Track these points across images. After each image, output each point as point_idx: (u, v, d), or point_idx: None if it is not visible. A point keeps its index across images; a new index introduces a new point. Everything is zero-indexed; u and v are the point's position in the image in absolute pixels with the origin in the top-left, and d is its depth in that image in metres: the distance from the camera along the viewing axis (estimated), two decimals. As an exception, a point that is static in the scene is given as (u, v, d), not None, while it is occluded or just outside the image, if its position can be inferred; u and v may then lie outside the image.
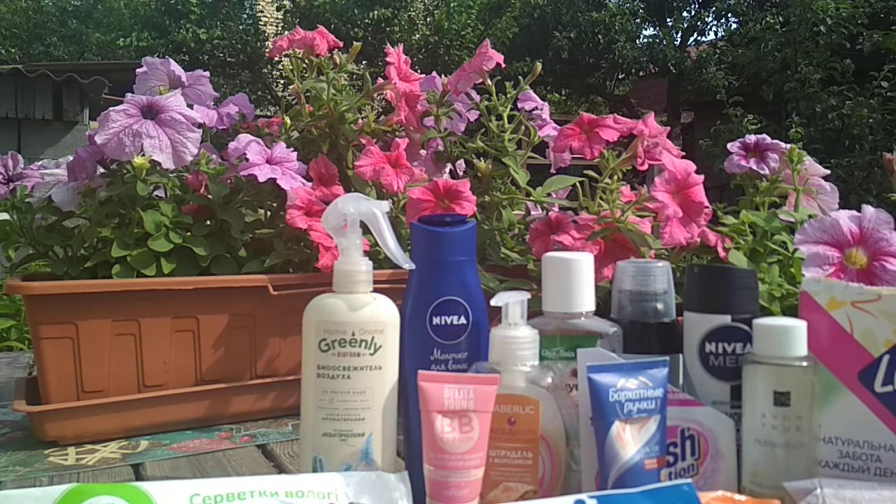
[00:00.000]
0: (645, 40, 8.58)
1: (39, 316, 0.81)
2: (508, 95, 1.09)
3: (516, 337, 0.57)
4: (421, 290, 0.62)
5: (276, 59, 1.28)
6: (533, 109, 1.15)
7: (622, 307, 0.67)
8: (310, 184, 0.96)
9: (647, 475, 0.54)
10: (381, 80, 1.11)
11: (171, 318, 0.86)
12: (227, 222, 0.93)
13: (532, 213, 1.16)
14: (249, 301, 0.89)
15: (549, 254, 0.64)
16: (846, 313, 0.60)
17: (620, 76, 9.19)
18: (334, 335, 0.57)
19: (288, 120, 1.08)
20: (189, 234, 0.92)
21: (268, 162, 0.95)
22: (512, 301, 0.57)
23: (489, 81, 1.10)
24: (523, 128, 1.10)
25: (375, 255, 0.80)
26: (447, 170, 1.18)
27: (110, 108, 0.90)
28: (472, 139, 1.12)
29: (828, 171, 1.12)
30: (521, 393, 0.56)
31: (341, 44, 1.13)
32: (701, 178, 0.90)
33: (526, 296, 0.58)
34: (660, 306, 0.66)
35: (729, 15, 8.24)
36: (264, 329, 0.91)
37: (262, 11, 10.00)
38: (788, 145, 1.10)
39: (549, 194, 1.05)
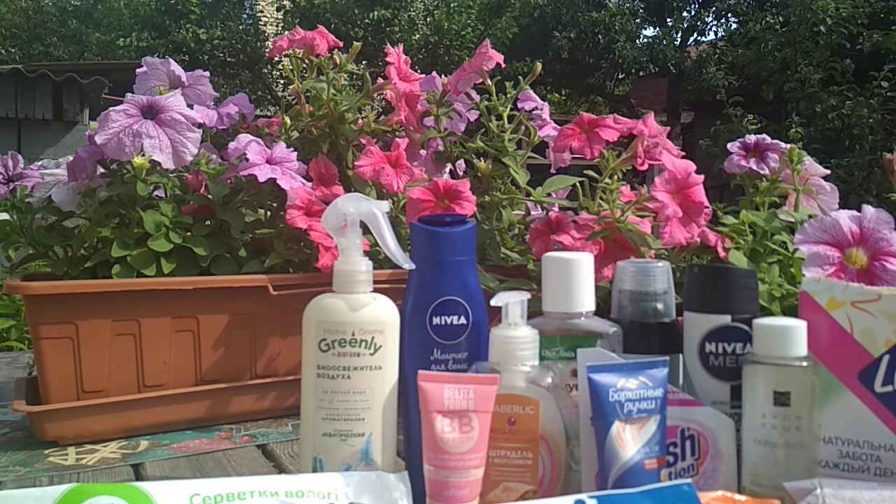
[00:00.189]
0: (645, 40, 8.59)
1: (39, 316, 0.81)
2: (508, 95, 1.09)
3: (516, 337, 0.57)
4: (421, 290, 0.62)
5: (276, 59, 1.28)
6: (533, 109, 1.15)
7: (622, 307, 0.67)
8: (310, 184, 0.96)
9: (647, 475, 0.54)
10: (381, 80, 1.11)
11: (171, 318, 0.86)
12: (227, 222, 0.93)
13: (532, 213, 1.16)
14: (249, 301, 0.89)
15: (549, 254, 0.64)
16: (846, 313, 0.60)
17: (620, 76, 9.19)
18: (334, 335, 0.57)
19: (288, 120, 1.08)
20: (189, 234, 0.92)
21: (268, 162, 0.95)
22: (512, 301, 0.57)
23: (489, 81, 1.10)
24: (523, 128, 1.10)
25: (375, 255, 0.80)
26: (447, 170, 1.18)
27: (110, 108, 0.90)
28: (472, 139, 1.12)
29: (828, 171, 1.12)
30: (521, 393, 0.56)
31: (341, 44, 1.13)
32: (701, 178, 0.90)
33: (526, 296, 0.58)
34: (660, 306, 0.66)
35: (729, 15, 8.25)
36: (264, 329, 0.91)
37: (262, 11, 10.00)
38: (788, 145, 1.10)
39: (549, 194, 1.05)
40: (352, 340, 0.57)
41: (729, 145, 1.16)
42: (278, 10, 8.91)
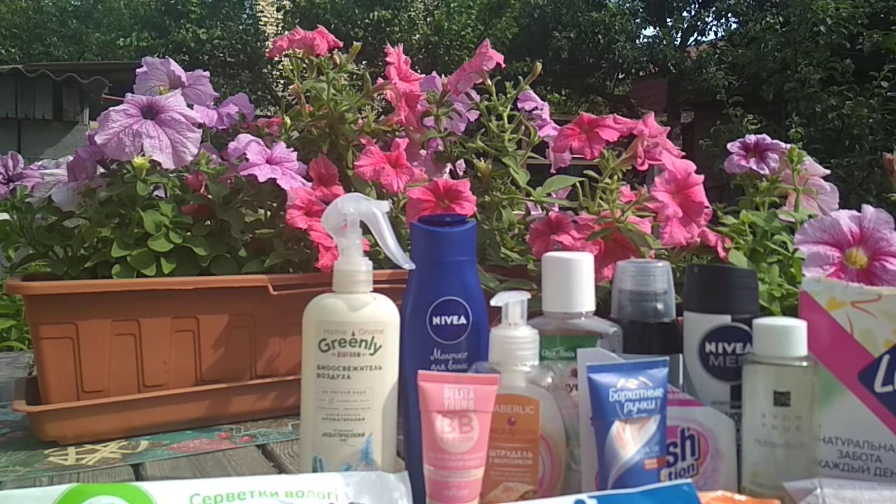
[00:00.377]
0: (645, 40, 8.59)
1: (39, 316, 0.81)
2: (508, 95, 1.09)
3: (516, 337, 0.57)
4: (421, 290, 0.62)
5: (276, 59, 1.28)
6: (533, 109, 1.15)
7: (622, 307, 0.67)
8: (310, 184, 0.96)
9: (647, 475, 0.54)
10: (381, 80, 1.11)
11: (171, 318, 0.86)
12: (227, 222, 0.93)
13: (532, 213, 1.16)
14: (249, 301, 0.89)
15: (549, 254, 0.64)
16: (846, 313, 0.60)
17: (620, 76, 9.19)
18: (334, 335, 0.57)
19: (288, 120, 1.08)
20: (189, 234, 0.92)
21: (268, 162, 0.95)
22: (512, 301, 0.57)
23: (489, 81, 1.10)
24: (523, 128, 1.10)
25: (375, 255, 0.80)
26: (447, 170, 1.18)
27: (110, 108, 0.90)
28: (472, 139, 1.12)
29: (828, 171, 1.12)
30: (521, 393, 0.56)
31: (341, 44, 1.13)
32: (701, 178, 0.90)
33: (526, 296, 0.58)
34: (660, 306, 0.66)
35: (729, 15, 8.25)
36: (264, 329, 0.91)
37: (262, 11, 10.00)
38: (788, 145, 1.10)
39: (549, 194, 1.05)
40: (352, 340, 0.57)
41: (729, 145, 1.16)
42: (278, 10, 8.92)
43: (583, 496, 0.51)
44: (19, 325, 2.06)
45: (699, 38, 8.86)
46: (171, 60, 1.11)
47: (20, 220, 0.95)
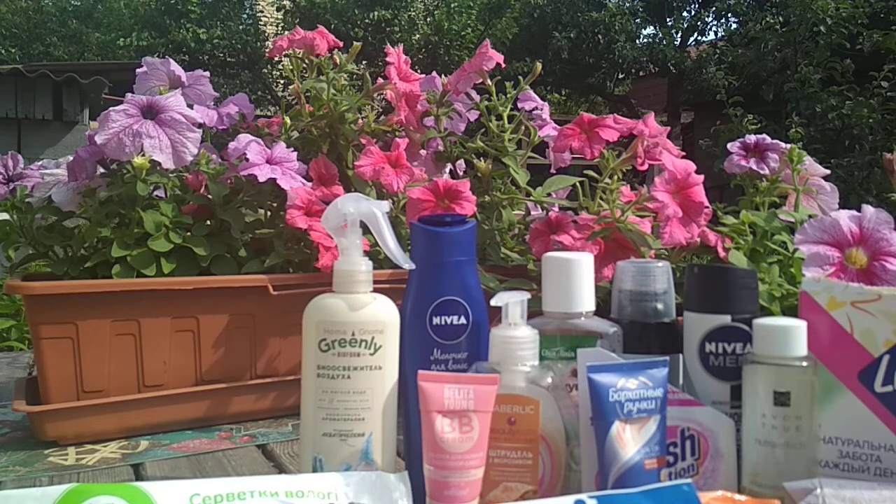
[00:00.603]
0: (645, 40, 8.59)
1: (39, 316, 0.81)
2: (508, 95, 1.09)
3: (516, 337, 0.57)
4: (421, 290, 0.62)
5: (276, 59, 1.28)
6: (533, 109, 1.15)
7: (622, 307, 0.67)
8: (310, 184, 0.96)
9: (647, 475, 0.54)
10: (381, 80, 1.11)
11: (171, 318, 0.86)
12: (227, 222, 0.93)
13: (532, 213, 1.16)
14: (249, 301, 0.89)
15: (549, 254, 0.64)
16: (846, 313, 0.60)
17: (620, 76, 9.19)
18: (334, 335, 0.57)
19: (288, 120, 1.08)
20: (189, 234, 0.92)
21: (268, 162, 0.95)
22: (512, 301, 0.57)
23: (489, 81, 1.10)
24: (523, 128, 1.10)
25: (375, 255, 0.80)
26: (447, 170, 1.18)
27: (110, 108, 0.90)
28: (472, 139, 1.12)
29: (828, 171, 1.12)
30: (521, 393, 0.56)
31: (341, 44, 1.13)
32: (701, 178, 0.90)
33: (526, 296, 0.58)
34: (660, 306, 0.66)
35: (729, 15, 8.24)
36: (264, 329, 0.91)
37: (262, 11, 10.01)
38: (788, 145, 1.10)
39: (549, 194, 1.05)
40: (352, 340, 0.57)
41: (729, 145, 1.16)
42: (278, 10, 8.92)
43: (583, 496, 0.51)
44: (19, 325, 2.06)
45: (699, 38, 8.87)
46: (171, 60, 1.11)
47: (20, 220, 0.95)
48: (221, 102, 1.16)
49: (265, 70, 9.18)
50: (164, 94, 0.99)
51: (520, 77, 1.10)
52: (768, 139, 1.13)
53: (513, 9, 8.63)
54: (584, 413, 0.56)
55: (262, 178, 0.92)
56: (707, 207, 0.90)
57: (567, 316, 0.62)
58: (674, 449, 0.60)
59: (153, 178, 0.91)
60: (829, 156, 4.82)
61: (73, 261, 0.91)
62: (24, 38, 10.01)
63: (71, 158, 0.96)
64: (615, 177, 0.93)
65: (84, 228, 0.92)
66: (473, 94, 1.16)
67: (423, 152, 1.15)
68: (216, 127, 1.12)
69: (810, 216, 0.98)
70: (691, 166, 0.89)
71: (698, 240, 0.92)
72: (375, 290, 0.60)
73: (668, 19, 8.62)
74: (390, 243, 0.59)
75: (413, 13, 8.74)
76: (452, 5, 8.81)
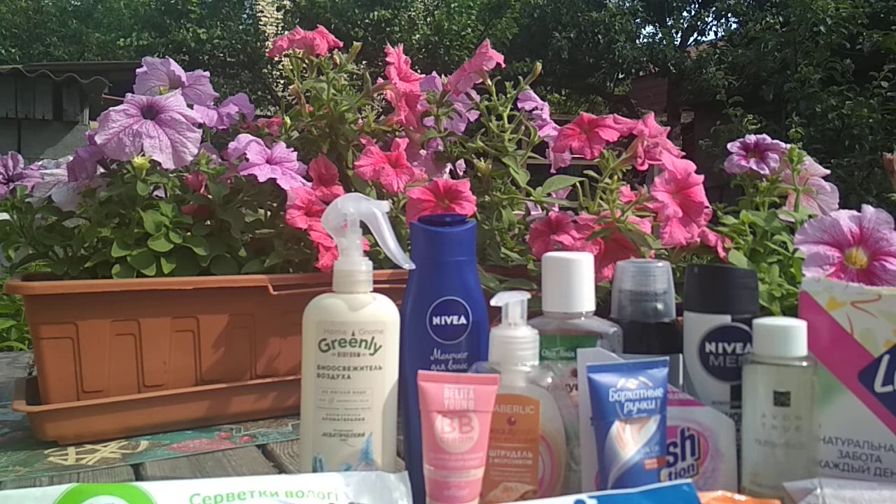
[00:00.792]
0: (645, 40, 8.58)
1: (39, 316, 0.81)
2: (508, 95, 1.09)
3: (516, 337, 0.57)
4: (421, 290, 0.62)
5: (276, 59, 1.28)
6: (533, 109, 1.15)
7: (622, 307, 0.67)
8: (310, 184, 0.96)
9: (647, 475, 0.54)
10: (381, 80, 1.11)
11: (171, 318, 0.86)
12: (227, 222, 0.93)
13: (532, 213, 1.16)
14: (249, 301, 0.89)
15: (549, 254, 0.64)
16: (846, 313, 0.60)
17: (620, 76, 9.19)
18: (334, 335, 0.57)
19: (288, 120, 1.08)
20: (189, 234, 0.92)
21: (268, 162, 0.95)
22: (512, 301, 0.57)
23: (489, 81, 1.10)
24: (523, 128, 1.10)
25: (375, 255, 0.80)
26: (447, 170, 1.18)
27: (110, 108, 0.90)
28: (472, 139, 1.12)
29: (828, 171, 1.12)
30: (521, 393, 0.56)
31: (341, 44, 1.14)
32: (701, 178, 0.90)
33: (526, 296, 0.58)
34: (660, 306, 0.66)
35: (729, 15, 8.24)
36: (264, 329, 0.91)
37: (262, 11, 10.01)
38: (788, 145, 1.10)
39: (549, 194, 1.05)
40: (352, 340, 0.57)
41: (729, 145, 1.16)
42: (278, 10, 8.91)
43: (583, 496, 0.51)
44: (19, 325, 2.06)
45: (699, 38, 8.87)
46: (171, 60, 1.11)
47: (20, 220, 0.95)
48: (221, 102, 1.16)
49: (265, 70, 9.18)
50: (164, 94, 0.99)
51: (520, 77, 1.10)
52: (768, 139, 1.13)
53: (513, 9, 8.62)
54: (584, 413, 0.56)
55: (262, 178, 0.92)
56: (707, 207, 0.90)
57: (567, 316, 0.62)
58: (674, 449, 0.60)
59: (153, 178, 0.91)
60: (829, 156, 4.82)
61: (73, 261, 0.91)
62: (24, 38, 10.02)
63: (71, 158, 0.96)
64: (615, 177, 0.93)
65: (84, 228, 0.92)
66: (473, 94, 1.16)
67: (423, 152, 1.15)
68: (216, 127, 1.12)
69: (810, 216, 0.98)
70: (691, 166, 0.89)
71: (698, 240, 0.92)
72: (375, 290, 0.60)
73: (668, 19, 8.62)
74: (390, 243, 0.59)
75: (413, 13, 8.74)
76: (452, 5, 8.80)
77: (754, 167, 1.11)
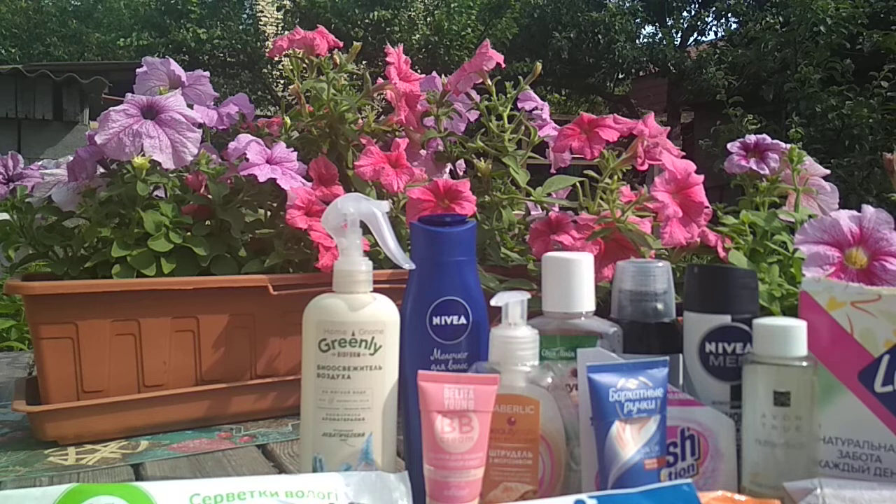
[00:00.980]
0: (645, 40, 8.58)
1: (39, 316, 0.81)
2: (508, 95, 1.09)
3: (516, 337, 0.57)
4: (421, 290, 0.62)
5: (276, 59, 1.28)
6: (533, 109, 1.15)
7: (622, 307, 0.67)
8: (310, 184, 0.96)
9: (647, 475, 0.54)
10: (381, 80, 1.11)
11: (171, 318, 0.86)
12: (227, 222, 0.93)
13: (532, 213, 1.16)
14: (249, 301, 0.89)
15: (549, 254, 0.64)
16: (846, 313, 0.60)
17: (620, 76, 9.19)
18: (334, 335, 0.57)
19: (288, 120, 1.08)
20: (189, 234, 0.92)
21: (268, 162, 0.95)
22: (512, 301, 0.57)
23: (489, 81, 1.10)
24: (523, 128, 1.10)
25: (375, 255, 0.80)
26: (447, 170, 1.18)
27: (110, 108, 0.90)
28: (472, 139, 1.12)
29: (828, 171, 1.12)
30: (521, 393, 0.56)
31: (341, 44, 1.14)
32: (701, 178, 0.90)
33: (526, 296, 0.58)
34: (660, 306, 0.66)
35: (729, 15, 8.24)
36: (264, 329, 0.91)
37: (262, 11, 10.01)
38: (788, 145, 1.10)
39: (549, 194, 1.05)
40: (352, 340, 0.57)
41: (729, 145, 1.16)
42: (278, 9, 8.91)
43: (583, 496, 0.51)
44: (19, 325, 2.06)
45: (699, 38, 8.87)
46: (171, 60, 1.11)
47: (20, 220, 0.95)
48: (221, 102, 1.17)
49: (265, 70, 9.18)
50: (164, 94, 0.99)
51: (520, 77, 1.10)
52: (768, 139, 1.13)
53: (513, 9, 8.62)
54: (584, 413, 0.56)
55: (262, 178, 0.92)
56: (707, 207, 0.90)
57: (567, 316, 0.62)
58: (674, 449, 0.60)
59: (153, 178, 0.91)
60: (829, 156, 4.82)
61: (73, 261, 0.91)
62: (24, 38, 10.02)
63: (71, 158, 0.96)
64: (615, 177, 0.93)
65: (84, 228, 0.92)
66: (473, 94, 1.16)
67: (423, 152, 1.15)
68: (216, 127, 1.12)
69: (810, 216, 0.98)
70: (691, 166, 0.89)
71: (698, 240, 0.92)
72: (375, 290, 0.60)
73: (668, 19, 8.62)
74: (390, 243, 0.59)
75: (413, 13, 8.74)
76: (452, 5, 8.80)
77: (754, 167, 1.11)
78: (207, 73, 1.13)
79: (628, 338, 0.64)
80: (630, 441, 0.55)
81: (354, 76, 1.15)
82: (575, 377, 0.58)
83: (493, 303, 0.58)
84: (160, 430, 0.86)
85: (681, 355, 0.65)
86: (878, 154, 4.17)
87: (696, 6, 8.59)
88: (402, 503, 0.52)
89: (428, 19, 8.81)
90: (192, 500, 0.49)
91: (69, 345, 0.81)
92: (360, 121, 1.11)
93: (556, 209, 1.07)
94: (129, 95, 0.93)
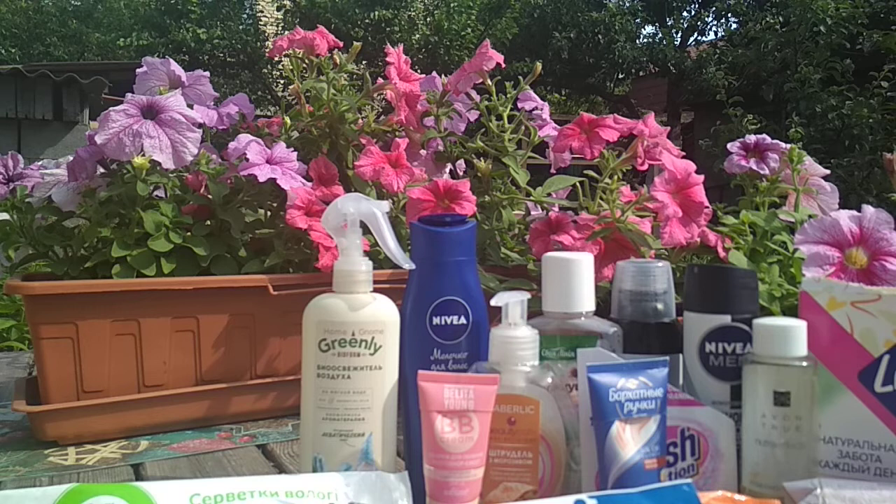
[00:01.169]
0: (645, 40, 8.58)
1: (39, 316, 0.81)
2: (508, 95, 1.09)
3: (516, 337, 0.57)
4: (421, 290, 0.62)
5: (276, 59, 1.28)
6: (533, 109, 1.15)
7: (622, 307, 0.67)
8: (310, 184, 0.96)
9: (647, 475, 0.54)
10: (381, 80, 1.11)
11: (171, 318, 0.86)
12: (227, 222, 0.93)
13: (532, 213, 1.16)
14: (249, 301, 0.89)
15: (549, 254, 0.64)
16: (846, 313, 0.60)
17: (620, 76, 9.19)
18: (334, 335, 0.57)
19: (288, 120, 1.08)
20: (189, 234, 0.92)
21: (268, 162, 0.95)
22: (512, 301, 0.57)
23: (489, 81, 1.10)
24: (523, 128, 1.10)
25: (375, 255, 0.80)
26: (447, 170, 1.18)
27: (110, 108, 0.90)
28: (472, 139, 1.12)
29: (828, 171, 1.12)
30: (521, 393, 0.56)
31: (341, 44, 1.14)
32: (701, 178, 0.90)
33: (526, 296, 0.58)
34: (660, 306, 0.66)
35: (729, 15, 8.24)
36: (264, 329, 0.91)
37: (262, 11, 10.01)
38: (788, 145, 1.10)
39: (549, 194, 1.05)
40: (352, 340, 0.57)
41: (729, 145, 1.16)
42: (278, 9, 8.91)
43: (583, 496, 0.51)
44: (19, 325, 2.06)
45: (699, 38, 8.87)
46: (171, 60, 1.11)
47: (20, 220, 0.95)
48: (221, 102, 1.17)
49: (265, 70, 9.18)
50: (164, 94, 0.99)
51: (520, 77, 1.10)
52: (768, 139, 1.13)
53: (513, 9, 8.62)
54: (584, 413, 0.56)
55: (262, 178, 0.92)
56: (707, 207, 0.90)
57: (567, 316, 0.62)
58: (674, 449, 0.60)
59: (153, 178, 0.91)
60: (829, 156, 4.82)
61: (73, 261, 0.91)
62: (24, 38, 10.02)
63: (71, 158, 0.96)
64: (615, 177, 0.93)
65: (84, 228, 0.92)
66: (473, 94, 1.16)
67: (423, 152, 1.15)
68: (216, 127, 1.12)
69: (810, 216, 0.98)
70: (691, 166, 0.89)
71: (698, 240, 0.92)
72: (375, 290, 0.60)
73: (668, 19, 8.62)
74: (390, 243, 0.59)
75: (413, 13, 8.73)
76: (452, 5, 8.80)
77: (754, 167, 1.11)
78: (207, 73, 1.13)
79: (628, 338, 0.64)
80: (630, 441, 0.55)
81: (354, 76, 1.15)
82: (575, 377, 0.58)
83: (493, 303, 0.58)
84: (160, 430, 0.86)
85: (681, 355, 0.65)
86: (878, 154, 4.17)
87: (696, 6, 8.59)
88: (402, 503, 0.52)
89: (428, 19, 8.82)
90: (192, 500, 0.49)
91: (69, 345, 0.81)
92: (360, 121, 1.11)
93: (556, 209, 1.07)
94: (129, 95, 0.93)
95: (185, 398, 0.87)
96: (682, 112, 8.82)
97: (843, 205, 0.96)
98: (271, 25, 9.76)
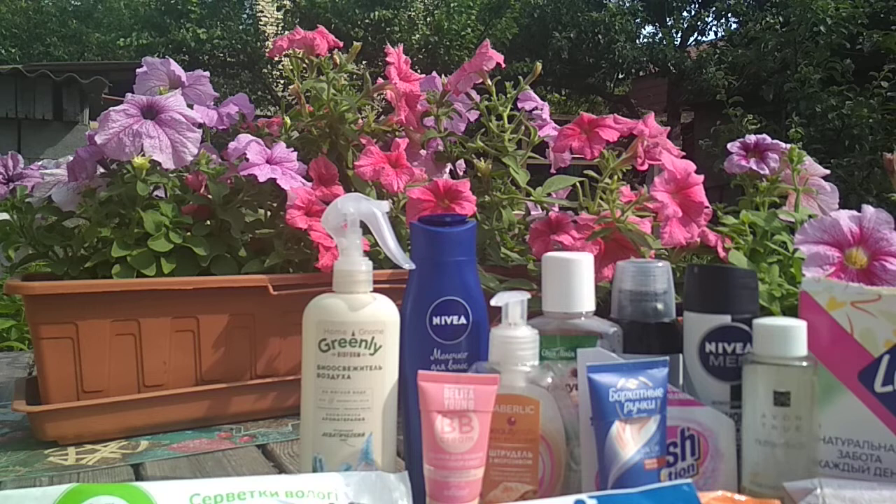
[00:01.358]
0: (645, 40, 8.58)
1: (39, 316, 0.81)
2: (508, 95, 1.09)
3: (516, 337, 0.57)
4: (421, 290, 0.62)
5: (276, 59, 1.28)
6: (533, 109, 1.15)
7: (622, 307, 0.67)
8: (310, 184, 0.96)
9: (647, 475, 0.54)
10: (381, 80, 1.11)
11: (171, 318, 0.86)
12: (227, 222, 0.93)
13: (532, 213, 1.16)
14: (249, 301, 0.89)
15: (549, 254, 0.64)
16: (846, 313, 0.60)
17: (620, 76, 9.18)
18: (334, 335, 0.57)
19: (288, 120, 1.08)
20: (189, 234, 0.92)
21: (268, 162, 0.95)
22: (512, 301, 0.57)
23: (489, 81, 1.10)
24: (523, 128, 1.10)
25: (375, 255, 0.80)
26: (447, 170, 1.18)
27: (110, 108, 0.90)
28: (472, 139, 1.12)
29: (828, 171, 1.12)
30: (521, 393, 0.56)
31: (341, 44, 1.14)
32: (701, 178, 0.90)
33: (526, 296, 0.58)
34: (660, 306, 0.66)
35: (729, 15, 8.24)
36: (264, 329, 0.91)
37: (262, 11, 10.01)
38: (788, 145, 1.10)
39: (549, 194, 1.05)
40: (352, 340, 0.57)
41: (729, 145, 1.16)
42: (278, 9, 8.91)
43: (583, 496, 0.51)
44: (19, 325, 2.06)
45: (699, 38, 8.87)
46: (171, 60, 1.11)
47: (20, 220, 0.95)
48: (221, 102, 1.17)
49: (265, 70, 9.18)
50: (164, 94, 0.99)
51: (520, 77, 1.10)
52: (768, 139, 1.13)
53: (513, 9, 8.62)
54: (584, 413, 0.56)
55: (262, 178, 0.92)
56: (707, 207, 0.90)
57: (567, 316, 0.62)
58: (674, 449, 0.60)
59: (153, 178, 0.91)
60: (829, 156, 4.82)
61: (73, 261, 0.91)
62: (24, 38, 10.02)
63: (71, 158, 0.96)
64: (615, 177, 0.93)
65: (84, 228, 0.92)
66: (473, 94, 1.16)
67: (423, 152, 1.15)
68: (216, 127, 1.12)
69: (810, 216, 0.98)
70: (691, 166, 0.89)
71: (698, 240, 0.92)
72: (375, 290, 0.60)
73: (668, 19, 8.62)
74: (390, 243, 0.59)
75: (413, 13, 8.73)
76: (452, 5, 8.80)
77: (754, 167, 1.11)
78: (207, 73, 1.13)
79: (628, 338, 0.64)
80: (630, 441, 0.55)
81: (354, 76, 1.15)
82: (575, 377, 0.58)
83: (493, 303, 0.58)
84: (160, 430, 0.86)
85: (681, 355, 0.65)
86: (878, 154, 4.17)
87: (696, 6, 8.59)
88: (402, 503, 0.52)
89: (428, 19, 8.81)
90: (192, 500, 0.49)
91: (69, 345, 0.81)
92: (360, 121, 1.11)
93: (556, 209, 1.07)
94: (129, 95, 0.93)
95: (185, 398, 0.87)
96: (682, 112, 8.82)
97: (843, 205, 0.96)
98: (271, 25, 9.76)
